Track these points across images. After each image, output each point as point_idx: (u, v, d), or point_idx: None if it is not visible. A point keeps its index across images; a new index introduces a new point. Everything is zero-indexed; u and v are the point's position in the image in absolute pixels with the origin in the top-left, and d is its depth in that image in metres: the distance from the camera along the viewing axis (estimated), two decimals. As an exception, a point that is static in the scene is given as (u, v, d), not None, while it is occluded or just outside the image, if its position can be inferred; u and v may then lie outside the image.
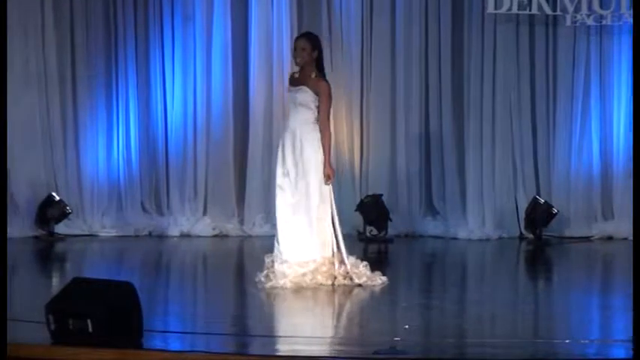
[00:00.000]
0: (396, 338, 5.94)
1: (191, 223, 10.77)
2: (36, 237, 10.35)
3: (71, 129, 10.78)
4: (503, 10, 10.62)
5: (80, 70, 10.76)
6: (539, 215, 10.44)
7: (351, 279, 7.60)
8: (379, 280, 7.68)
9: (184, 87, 10.88)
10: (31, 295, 7.44)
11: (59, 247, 10.11)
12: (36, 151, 10.60)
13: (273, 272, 7.53)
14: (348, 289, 7.54)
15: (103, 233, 10.68)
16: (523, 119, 10.80)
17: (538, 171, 10.84)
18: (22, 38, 10.54)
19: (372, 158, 10.93)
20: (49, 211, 10.38)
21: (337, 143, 10.91)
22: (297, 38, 7.83)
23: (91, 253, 9.98)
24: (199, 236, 10.69)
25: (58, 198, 10.44)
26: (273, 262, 7.58)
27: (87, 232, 10.66)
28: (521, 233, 10.66)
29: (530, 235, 10.53)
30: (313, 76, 7.63)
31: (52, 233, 10.35)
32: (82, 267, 9.35)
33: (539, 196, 10.61)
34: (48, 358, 5.46)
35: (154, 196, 10.90)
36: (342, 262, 7.64)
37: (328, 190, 7.65)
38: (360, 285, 7.58)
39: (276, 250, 7.59)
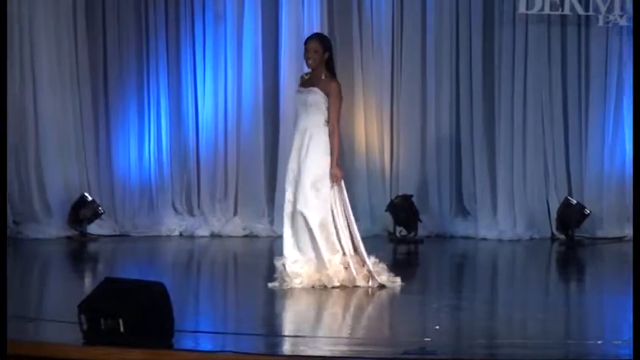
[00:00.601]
0: (427, 339, 5.93)
1: (221, 223, 10.81)
2: (69, 237, 10.41)
3: (103, 129, 10.84)
4: (535, 10, 10.56)
5: (112, 70, 10.82)
6: (571, 216, 10.38)
7: (373, 278, 7.53)
8: (397, 280, 7.62)
9: (215, 87, 10.92)
10: (64, 295, 7.48)
11: (91, 247, 10.18)
12: (69, 152, 10.68)
13: (288, 275, 7.49)
14: (376, 290, 7.53)
15: (134, 233, 10.73)
16: (555, 119, 10.74)
17: (570, 171, 10.78)
18: (53, 40, 10.61)
19: (403, 159, 10.91)
20: (82, 212, 10.44)
21: (367, 144, 10.92)
22: (308, 40, 7.73)
23: (123, 253, 10.04)
24: (230, 236, 10.72)
25: (90, 198, 10.50)
26: (284, 265, 7.54)
27: (118, 233, 10.72)
28: (552, 234, 10.60)
29: (562, 236, 10.47)
30: (323, 77, 7.58)
31: (84, 233, 10.42)
32: (114, 267, 9.41)
33: (571, 197, 10.54)
34: (80, 358, 5.49)
35: (184, 196, 10.94)
36: (363, 263, 7.58)
37: (332, 192, 7.50)
38: (381, 286, 7.51)
39: (285, 252, 7.55)
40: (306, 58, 7.63)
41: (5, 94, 8.17)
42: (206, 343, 6.01)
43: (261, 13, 10.86)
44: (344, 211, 7.59)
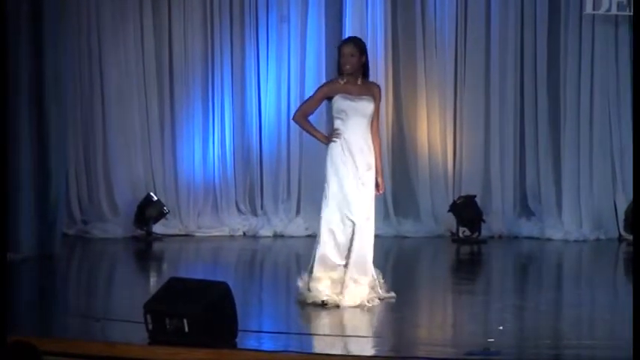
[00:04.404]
0: (490, 339, 5.89)
1: (284, 223, 10.85)
2: (134, 237, 10.53)
3: (169, 130, 10.95)
4: (602, 10, 10.42)
5: (177, 72, 10.92)
6: (639, 216, 10.22)
7: (376, 292, 7.15)
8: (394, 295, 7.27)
9: (278, 88, 10.97)
10: (130, 294, 7.56)
11: (156, 246, 10.28)
12: (135, 153, 10.81)
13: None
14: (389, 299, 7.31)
15: (198, 233, 10.82)
16: (622, 119, 10.59)
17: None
18: (121, 42, 10.75)
19: (466, 159, 10.85)
20: (148, 212, 10.54)
21: (430, 144, 10.87)
22: (345, 44, 7.30)
23: (187, 252, 10.13)
24: (292, 236, 10.76)
25: (155, 198, 10.61)
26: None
27: (183, 232, 10.81)
28: (620, 235, 10.46)
29: (630, 237, 10.31)
30: (360, 82, 7.17)
31: (150, 233, 10.53)
32: (179, 267, 9.49)
33: None
34: (145, 358, 5.55)
35: (248, 196, 11.01)
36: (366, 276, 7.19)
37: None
38: (380, 299, 7.16)
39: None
40: (343, 63, 7.18)
41: (6, 94, 8.24)
42: (269, 343, 6.04)
43: (325, 15, 10.88)
44: None
